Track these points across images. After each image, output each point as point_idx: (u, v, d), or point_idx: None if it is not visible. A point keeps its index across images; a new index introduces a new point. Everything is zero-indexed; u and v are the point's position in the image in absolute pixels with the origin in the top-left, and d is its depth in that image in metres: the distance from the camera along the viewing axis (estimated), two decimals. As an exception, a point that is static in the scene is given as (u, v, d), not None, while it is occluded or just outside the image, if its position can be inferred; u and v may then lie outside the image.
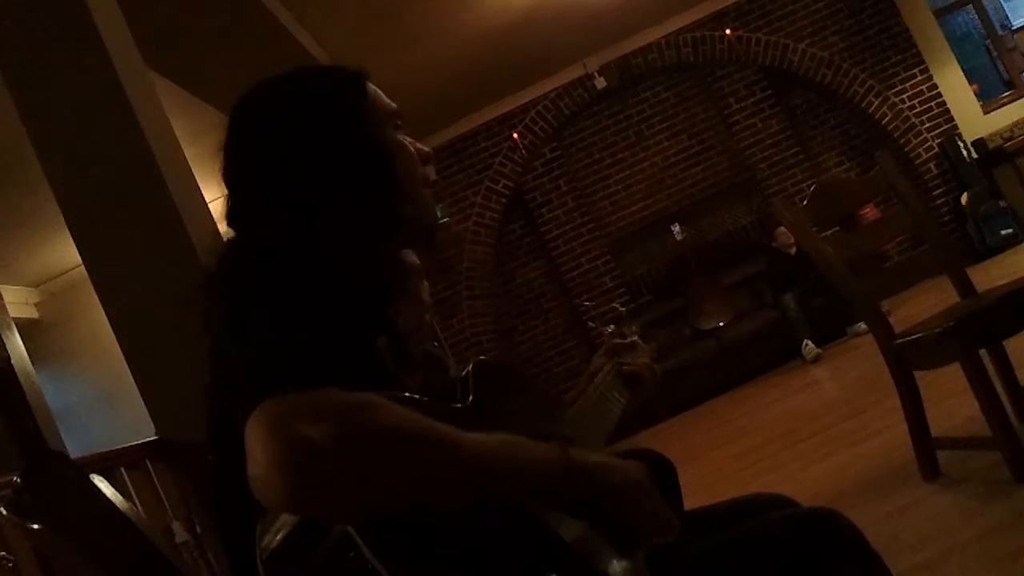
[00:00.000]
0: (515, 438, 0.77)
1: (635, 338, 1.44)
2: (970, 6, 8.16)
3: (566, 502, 0.77)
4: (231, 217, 1.00)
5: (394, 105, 1.05)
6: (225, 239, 1.01)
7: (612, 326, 1.48)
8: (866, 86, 7.67)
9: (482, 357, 1.02)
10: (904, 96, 7.70)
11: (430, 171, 1.06)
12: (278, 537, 0.67)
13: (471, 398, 0.91)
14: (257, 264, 0.91)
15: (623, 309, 1.53)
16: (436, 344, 1.15)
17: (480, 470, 0.72)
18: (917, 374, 2.56)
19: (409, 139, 1.05)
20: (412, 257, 1.17)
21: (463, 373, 0.97)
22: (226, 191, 1.01)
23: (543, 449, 0.77)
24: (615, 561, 0.83)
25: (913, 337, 2.45)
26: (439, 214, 1.10)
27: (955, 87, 7.75)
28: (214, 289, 0.91)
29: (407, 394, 0.79)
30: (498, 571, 0.73)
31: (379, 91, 1.05)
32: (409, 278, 1.01)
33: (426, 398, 0.81)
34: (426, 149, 1.06)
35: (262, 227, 0.96)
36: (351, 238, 0.92)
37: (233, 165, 1.00)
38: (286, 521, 0.68)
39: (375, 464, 0.67)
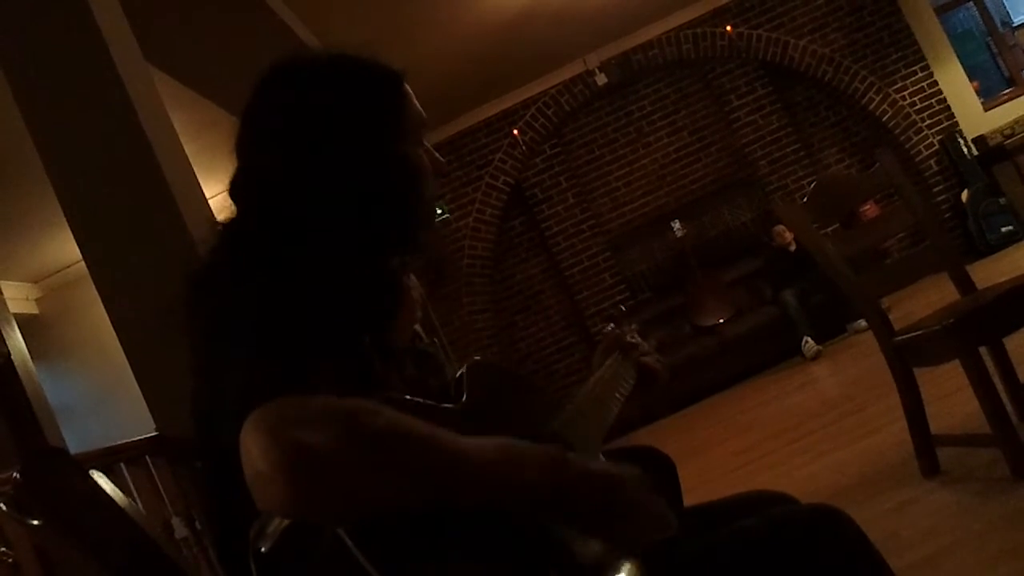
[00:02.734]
0: (514, 442, 0.75)
1: (635, 337, 1.44)
2: (971, 3, 8.15)
3: (563, 508, 0.76)
4: (235, 190, 0.97)
5: (424, 114, 1.02)
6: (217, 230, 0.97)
7: (611, 324, 1.48)
8: (867, 83, 7.67)
9: (477, 358, 1.01)
10: (905, 93, 7.70)
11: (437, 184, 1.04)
12: (272, 539, 0.67)
13: (465, 398, 0.91)
14: (247, 259, 0.89)
15: (623, 308, 1.53)
16: (434, 341, 1.14)
17: (478, 474, 0.71)
18: (917, 371, 2.56)
19: (427, 148, 1.03)
20: (415, 285, 1.13)
21: (458, 374, 0.96)
22: (236, 161, 0.97)
23: (542, 453, 0.75)
24: (614, 559, 0.83)
25: (913, 334, 2.45)
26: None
27: (956, 84, 7.74)
28: (200, 291, 0.90)
29: (398, 396, 0.78)
30: (495, 571, 0.73)
31: (412, 96, 1.02)
32: (407, 296, 1.00)
33: (419, 399, 0.81)
34: (443, 161, 1.05)
35: (259, 205, 0.94)
36: (358, 246, 0.91)
37: (251, 136, 0.97)
38: (280, 523, 0.68)
39: (375, 468, 0.66)
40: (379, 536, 0.65)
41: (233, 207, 0.97)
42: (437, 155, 1.04)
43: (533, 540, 0.77)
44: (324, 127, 0.93)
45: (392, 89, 0.99)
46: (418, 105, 1.02)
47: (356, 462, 0.65)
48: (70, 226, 2.67)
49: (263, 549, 0.66)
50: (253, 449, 0.65)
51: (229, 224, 0.96)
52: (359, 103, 0.95)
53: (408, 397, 0.80)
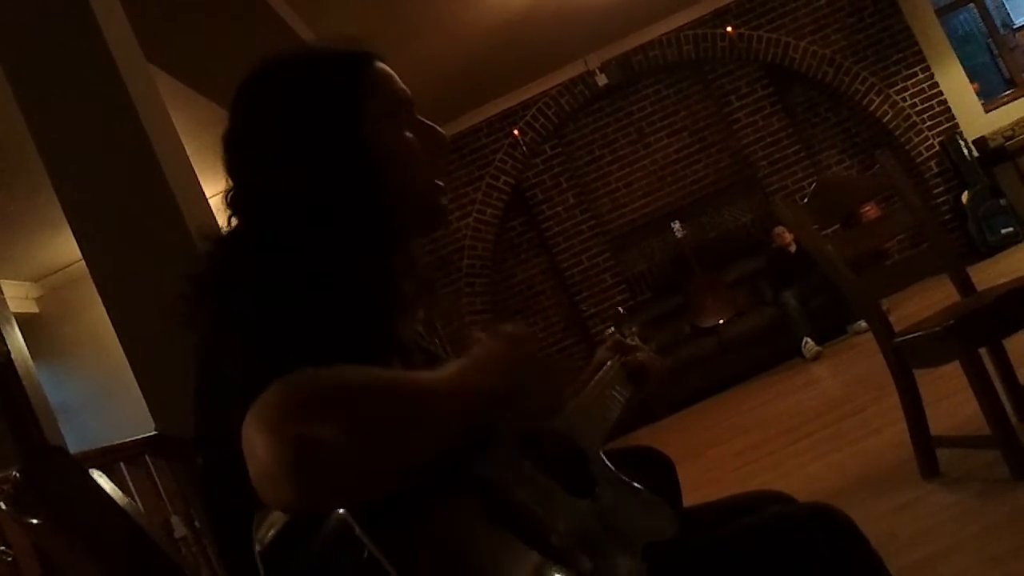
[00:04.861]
0: (460, 362, 0.81)
1: (635, 339, 1.44)
2: (972, 5, 8.15)
3: (517, 392, 0.82)
4: (229, 204, 0.99)
5: (403, 90, 1.02)
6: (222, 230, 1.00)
7: (612, 328, 1.48)
8: (867, 84, 7.67)
9: None
10: (905, 94, 7.69)
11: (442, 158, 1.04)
12: (274, 530, 0.67)
13: None
14: (245, 257, 0.90)
15: (623, 310, 1.54)
16: (435, 341, 1.14)
17: (456, 401, 0.75)
18: (917, 372, 2.56)
19: (423, 121, 1.02)
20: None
21: None
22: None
23: (485, 356, 0.82)
24: (617, 557, 0.83)
25: (913, 336, 2.45)
26: (443, 201, 1.10)
27: (956, 86, 7.74)
28: (202, 284, 0.90)
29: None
30: (497, 561, 0.73)
31: (387, 76, 1.01)
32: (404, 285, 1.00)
33: None
34: (440, 132, 1.03)
35: (252, 219, 0.96)
36: (333, 242, 0.91)
37: (226, 154, 0.99)
38: (283, 515, 0.68)
39: (378, 445, 0.67)
40: (384, 520, 0.65)
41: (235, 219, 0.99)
42: (437, 129, 1.03)
43: (531, 531, 0.77)
44: (282, 125, 0.95)
45: (349, 72, 0.98)
46: (399, 84, 1.01)
47: (361, 443, 0.65)
48: (70, 225, 2.67)
49: (266, 541, 0.66)
50: (257, 448, 0.64)
51: (230, 233, 0.98)
52: (313, 95, 0.96)
53: None
